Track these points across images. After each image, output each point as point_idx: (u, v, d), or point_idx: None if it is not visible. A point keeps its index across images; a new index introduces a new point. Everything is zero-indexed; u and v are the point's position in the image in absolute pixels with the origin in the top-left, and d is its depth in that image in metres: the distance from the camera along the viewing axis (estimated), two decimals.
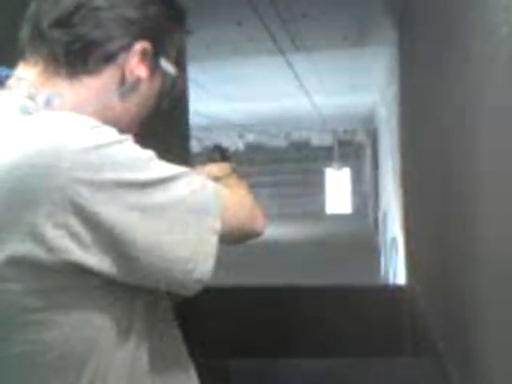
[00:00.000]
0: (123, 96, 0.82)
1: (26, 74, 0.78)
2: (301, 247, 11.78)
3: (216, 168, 1.06)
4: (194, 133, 3.66)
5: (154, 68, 0.84)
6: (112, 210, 0.67)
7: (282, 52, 4.19)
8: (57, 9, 0.77)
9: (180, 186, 0.74)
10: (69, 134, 0.67)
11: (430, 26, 1.92)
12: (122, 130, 0.73)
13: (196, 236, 0.74)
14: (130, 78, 0.81)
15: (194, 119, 3.98)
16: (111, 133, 0.71)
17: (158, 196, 0.71)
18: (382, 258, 7.26)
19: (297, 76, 5.40)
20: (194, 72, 3.98)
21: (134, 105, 0.84)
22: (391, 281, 5.44)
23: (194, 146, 5.43)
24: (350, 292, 2.55)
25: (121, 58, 0.80)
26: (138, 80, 0.82)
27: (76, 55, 0.78)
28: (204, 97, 6.27)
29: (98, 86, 0.79)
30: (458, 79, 1.45)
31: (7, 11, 1.43)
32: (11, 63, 0.83)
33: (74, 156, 0.65)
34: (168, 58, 0.86)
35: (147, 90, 0.85)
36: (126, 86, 0.82)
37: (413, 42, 2.53)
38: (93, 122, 0.71)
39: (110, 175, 0.67)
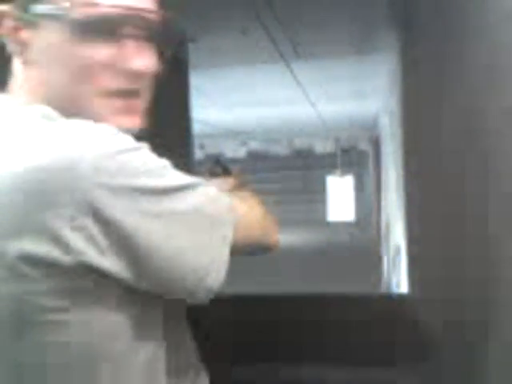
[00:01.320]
0: (48, 68, 0.76)
1: (16, 68, 0.80)
2: (302, 255, 11.77)
3: (222, 183, 1.06)
4: (196, 140, 3.67)
5: (33, 24, 0.74)
6: (129, 216, 0.68)
7: (285, 60, 4.20)
8: None
9: (197, 195, 0.75)
10: (90, 140, 0.68)
11: (434, 33, 1.92)
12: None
13: (210, 245, 0.75)
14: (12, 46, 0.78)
15: (196, 127, 4.00)
16: (129, 140, 0.72)
17: (176, 203, 0.72)
18: (385, 267, 7.24)
19: (300, 83, 5.41)
20: (197, 80, 3.99)
21: (54, 74, 0.76)
22: (394, 289, 5.43)
23: (197, 153, 5.45)
24: (351, 301, 2.54)
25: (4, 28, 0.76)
26: (17, 43, 0.77)
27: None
28: (207, 104, 6.29)
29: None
30: (462, 85, 1.45)
31: None
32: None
33: (95, 160, 0.67)
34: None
35: (49, 50, 0.75)
36: (30, 58, 0.77)
37: (416, 50, 2.53)
38: (112, 128, 0.72)
39: (128, 181, 0.68)
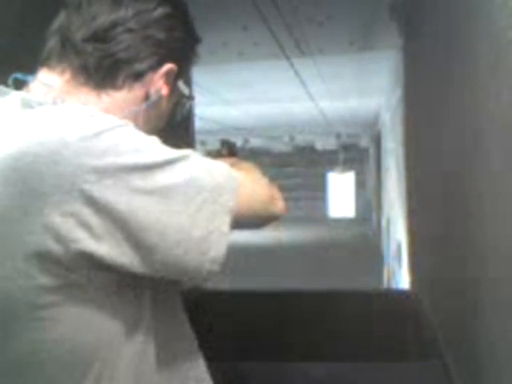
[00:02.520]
0: (145, 113, 0.85)
1: (53, 81, 0.80)
2: (304, 251, 11.77)
3: (226, 161, 1.06)
4: (197, 137, 3.67)
5: (173, 88, 0.89)
6: (120, 195, 0.67)
7: (287, 56, 4.19)
8: (93, 24, 0.81)
9: (190, 166, 0.73)
10: (70, 124, 0.68)
11: (436, 30, 1.92)
12: None
13: (209, 215, 0.73)
14: (153, 96, 0.85)
15: (198, 123, 4.00)
16: (111, 119, 0.71)
17: (166, 177, 0.70)
18: (386, 263, 7.25)
19: (302, 80, 5.41)
20: (199, 76, 3.99)
21: (151, 120, 0.87)
22: (395, 285, 5.43)
23: (198, 149, 5.44)
24: (353, 296, 2.55)
25: (147, 77, 0.84)
26: (160, 99, 0.86)
27: (106, 70, 0.81)
28: (208, 101, 6.28)
29: (123, 99, 0.83)
30: (463, 83, 1.45)
31: (14, 13, 1.44)
32: (18, 63, 0.85)
33: (78, 143, 0.66)
34: (184, 79, 0.92)
35: (164, 107, 0.89)
36: (149, 103, 0.85)
37: (418, 47, 2.53)
38: (92, 110, 0.72)
39: (114, 160, 0.67)
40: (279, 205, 0.92)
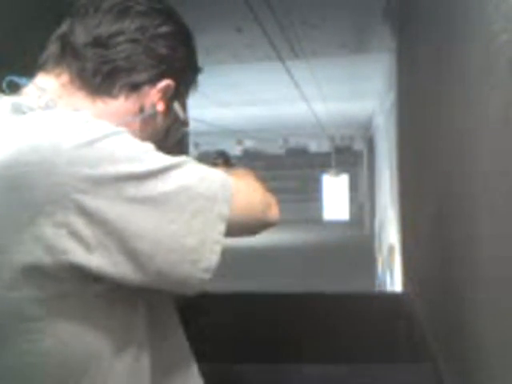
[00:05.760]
0: (138, 126, 0.84)
1: (48, 84, 0.79)
2: (298, 253, 11.78)
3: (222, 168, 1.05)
4: (191, 138, 3.67)
5: (169, 108, 0.88)
6: (114, 205, 0.65)
7: (281, 59, 4.20)
8: (97, 29, 0.80)
9: (184, 174, 0.72)
10: (63, 130, 0.66)
11: (429, 33, 1.93)
12: None
13: (203, 224, 0.72)
14: (148, 110, 0.85)
15: (191, 125, 3.99)
16: (106, 126, 0.70)
17: (160, 186, 0.69)
18: (379, 265, 7.26)
19: (295, 82, 5.42)
20: None
21: (144, 135, 0.85)
22: (388, 287, 5.44)
23: (191, 151, 5.44)
24: (347, 299, 2.55)
25: (144, 90, 0.84)
26: (154, 114, 0.86)
27: (104, 77, 0.80)
28: (202, 102, 6.28)
29: (117, 108, 0.82)
30: (456, 85, 1.46)
31: (12, 19, 1.43)
32: (14, 66, 0.84)
33: (71, 151, 0.64)
34: (181, 100, 0.91)
35: (158, 124, 0.88)
36: (143, 116, 0.84)
37: (411, 49, 2.54)
38: (86, 116, 0.71)
39: (108, 169, 0.65)
40: (274, 212, 0.90)
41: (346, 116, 8.96)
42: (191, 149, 4.61)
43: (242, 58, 4.26)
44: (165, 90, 0.85)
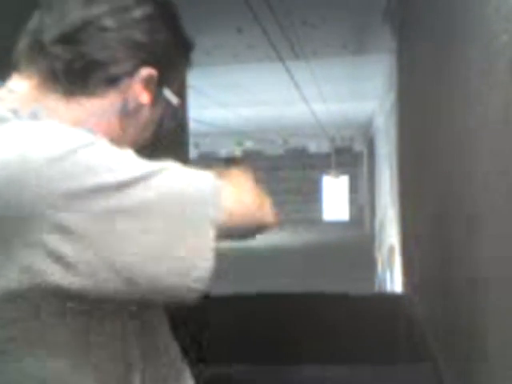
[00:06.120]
0: (122, 121, 0.78)
1: (19, 87, 0.74)
2: (298, 254, 11.78)
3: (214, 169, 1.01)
4: (191, 139, 3.67)
5: (157, 96, 0.80)
6: (92, 218, 0.61)
7: (281, 59, 4.20)
8: (62, 23, 0.74)
9: (165, 181, 0.67)
10: (35, 144, 0.62)
11: (429, 34, 1.93)
12: None
13: (192, 230, 0.68)
14: (131, 104, 0.78)
15: (192, 125, 3.99)
16: (79, 135, 0.65)
17: (140, 195, 0.64)
18: (379, 265, 7.26)
19: (296, 83, 5.42)
20: (193, 78, 3.99)
21: (131, 131, 0.80)
22: (388, 288, 5.44)
23: (191, 152, 5.44)
24: (347, 299, 2.55)
25: (124, 83, 0.76)
26: (140, 106, 0.78)
27: (76, 74, 0.73)
28: (203, 103, 6.29)
29: (96, 108, 0.75)
30: (457, 86, 1.46)
31: (9, 20, 1.44)
32: (14, 66, 0.83)
33: (42, 166, 0.60)
34: (171, 87, 0.83)
35: (147, 117, 0.81)
36: (124, 111, 0.78)
37: (412, 51, 2.54)
38: (57, 125, 0.66)
39: (83, 181, 0.61)
40: (268, 214, 0.85)
41: (346, 116, 8.96)
42: (191, 149, 4.61)
43: (243, 58, 4.26)
44: (147, 80, 0.77)
